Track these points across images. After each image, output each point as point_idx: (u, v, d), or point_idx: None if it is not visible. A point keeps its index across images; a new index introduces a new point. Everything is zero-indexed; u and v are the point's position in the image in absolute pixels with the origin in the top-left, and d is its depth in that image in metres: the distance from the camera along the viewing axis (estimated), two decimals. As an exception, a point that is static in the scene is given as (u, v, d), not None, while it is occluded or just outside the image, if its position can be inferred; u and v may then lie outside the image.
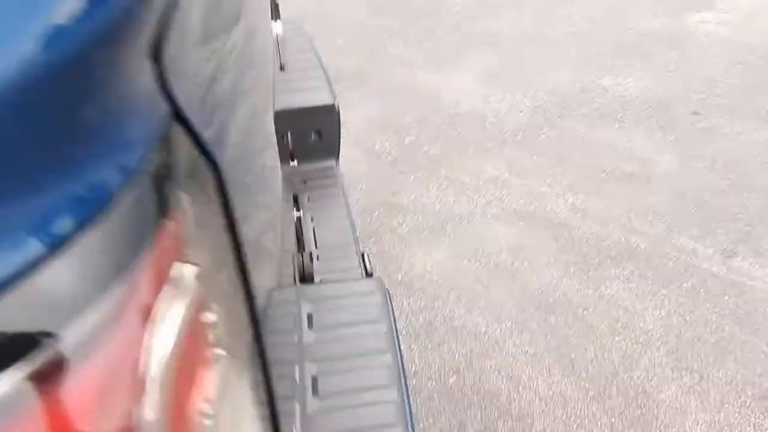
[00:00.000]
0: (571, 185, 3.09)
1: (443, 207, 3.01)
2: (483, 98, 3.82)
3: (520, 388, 2.20)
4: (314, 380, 1.10)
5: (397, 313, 2.48)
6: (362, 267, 1.60)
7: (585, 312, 2.45)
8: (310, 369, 1.12)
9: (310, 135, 1.92)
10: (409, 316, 2.48)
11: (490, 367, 2.27)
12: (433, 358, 2.31)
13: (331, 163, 1.96)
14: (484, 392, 2.19)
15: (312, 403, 1.06)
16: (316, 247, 1.67)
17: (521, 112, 3.69)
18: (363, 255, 1.75)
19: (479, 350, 2.33)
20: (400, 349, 1.17)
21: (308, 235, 1.70)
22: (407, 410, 1.05)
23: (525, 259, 2.70)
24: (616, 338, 2.34)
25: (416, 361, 2.31)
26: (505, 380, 2.22)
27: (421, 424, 2.11)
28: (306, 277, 1.39)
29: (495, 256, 2.72)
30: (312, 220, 1.76)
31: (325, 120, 1.91)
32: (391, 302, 1.27)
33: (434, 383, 2.23)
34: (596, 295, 2.51)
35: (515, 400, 2.16)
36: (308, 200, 1.84)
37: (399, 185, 3.15)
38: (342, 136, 3.55)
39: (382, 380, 1.09)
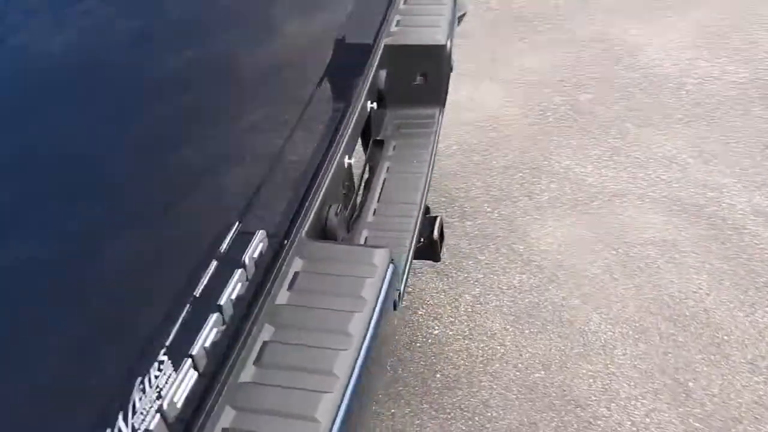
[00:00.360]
0: (765, 182, 2.53)
1: (597, 180, 2.64)
2: (690, 60, 3.25)
3: (613, 406, 1.89)
4: (263, 346, 0.99)
5: (503, 288, 2.27)
6: (415, 233, 1.43)
7: (726, 337, 2.02)
8: (266, 333, 1.01)
9: (414, 77, 1.74)
10: (516, 294, 2.24)
11: (586, 372, 1.98)
12: (525, 346, 2.08)
13: (434, 111, 1.76)
14: (570, 398, 1.92)
15: (249, 370, 0.96)
16: (378, 201, 1.52)
17: (732, 82, 3.08)
18: (436, 219, 1.58)
19: (580, 350, 2.04)
20: (371, 338, 1.00)
21: (374, 187, 1.55)
22: (342, 409, 0.90)
23: (673, 258, 2.29)
24: (755, 378, 1.90)
25: (506, 344, 2.09)
26: (598, 392, 1.92)
27: (489, 413, 1.92)
28: (327, 233, 1.26)
29: (638, 247, 2.34)
30: (387, 170, 1.60)
31: (433, 62, 1.71)
32: (389, 280, 1.10)
33: (518, 373, 2.00)
34: (748, 321, 2.05)
35: (603, 417, 1.87)
36: (393, 149, 1.68)
37: (556, 147, 2.82)
38: (512, 83, 3.27)
39: (331, 367, 0.94)
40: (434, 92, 1.74)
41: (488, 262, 2.37)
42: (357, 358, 0.96)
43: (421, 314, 2.22)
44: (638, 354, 2.01)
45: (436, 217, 1.59)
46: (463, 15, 2.27)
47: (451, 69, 1.75)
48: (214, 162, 0.95)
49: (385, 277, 1.09)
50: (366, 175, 1.65)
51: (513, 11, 3.81)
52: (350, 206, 1.48)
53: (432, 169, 1.61)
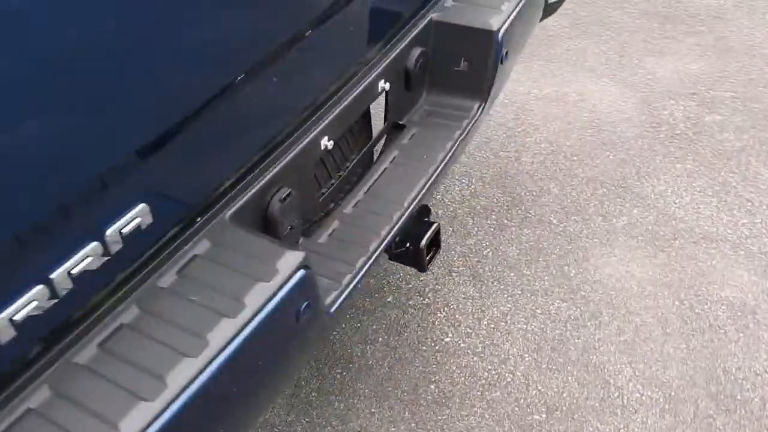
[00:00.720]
0: None
1: (690, 216, 2.29)
2: None
3: (608, 477, 1.64)
4: (117, 329, 0.90)
5: (537, 311, 2.03)
6: (387, 236, 1.27)
7: (774, 438, 1.68)
8: (129, 315, 0.92)
9: (458, 62, 1.54)
10: (549, 322, 2.00)
11: (593, 430, 1.73)
12: (536, 381, 1.86)
13: (472, 103, 1.56)
14: (563, 453, 1.70)
15: (88, 352, 0.88)
16: (366, 192, 1.37)
17: None
18: (431, 227, 1.40)
19: (595, 403, 1.79)
20: (234, 350, 0.89)
21: (369, 176, 1.40)
22: (157, 424, 0.80)
23: (746, 327, 1.93)
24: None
25: (517, 374, 1.88)
26: (597, 455, 1.68)
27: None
28: (268, 221, 1.14)
29: (709, 305, 2.00)
30: (392, 160, 1.44)
31: (478, 49, 1.50)
32: (291, 289, 0.96)
33: (516, 409, 1.80)
34: (809, 426, 1.69)
35: (591, 485, 1.63)
36: (410, 137, 1.51)
37: (654, 169, 2.48)
38: (634, 86, 2.90)
39: (164, 374, 0.84)
40: (476, 82, 1.54)
41: (531, 279, 2.13)
42: (202, 370, 0.85)
43: (439, 317, 2.05)
44: (660, 427, 1.72)
45: (432, 224, 1.41)
46: (560, 2, 2.00)
47: (501, 61, 1.52)
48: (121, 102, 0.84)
49: (284, 284, 0.95)
50: (373, 160, 1.50)
51: (666, 5, 3.37)
52: (323, 194, 1.34)
53: (443, 168, 1.43)
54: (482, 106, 1.56)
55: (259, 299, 0.93)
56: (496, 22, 1.48)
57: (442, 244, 2.25)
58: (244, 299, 0.92)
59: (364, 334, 2.02)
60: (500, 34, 1.48)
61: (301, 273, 0.98)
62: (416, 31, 1.47)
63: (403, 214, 1.31)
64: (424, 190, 1.37)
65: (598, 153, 2.57)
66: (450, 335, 2.00)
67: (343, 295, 1.17)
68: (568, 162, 2.54)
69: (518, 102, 2.83)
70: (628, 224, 2.28)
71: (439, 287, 2.14)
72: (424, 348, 1.98)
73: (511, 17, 1.53)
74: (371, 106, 1.47)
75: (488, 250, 2.24)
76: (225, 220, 1.05)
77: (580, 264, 2.17)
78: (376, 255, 1.24)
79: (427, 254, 1.42)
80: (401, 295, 2.13)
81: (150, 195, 0.90)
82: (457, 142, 1.48)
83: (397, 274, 2.19)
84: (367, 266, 1.22)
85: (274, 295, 0.94)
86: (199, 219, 1.02)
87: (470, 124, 1.53)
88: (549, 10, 1.95)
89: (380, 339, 2.01)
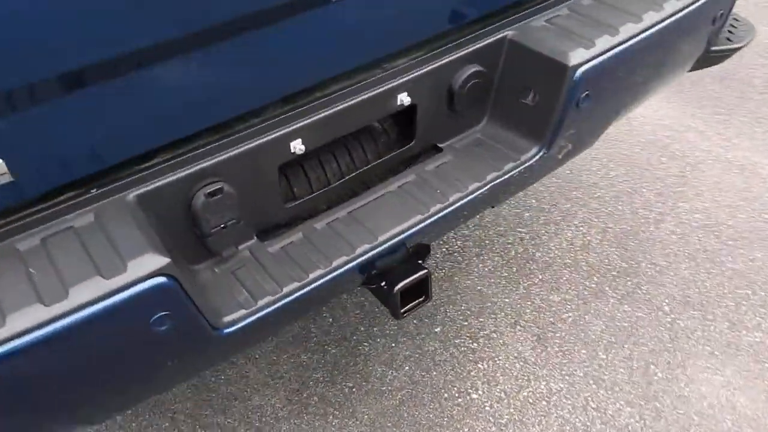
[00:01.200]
0: None
1: None
2: None
3: None
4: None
5: (592, 405, 1.71)
6: (340, 269, 1.10)
7: None
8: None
9: (525, 93, 1.27)
10: (598, 422, 1.66)
11: None
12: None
13: (528, 146, 1.29)
14: None
15: None
16: (348, 213, 1.20)
17: None
18: (419, 272, 1.20)
19: None
20: (31, 342, 0.82)
21: (359, 199, 1.22)
22: None
23: None
24: None
25: (528, 465, 1.59)
26: None
27: None
28: (192, 216, 1.03)
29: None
30: (399, 186, 1.25)
31: (547, 83, 1.22)
32: (136, 296, 0.86)
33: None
34: None
35: None
36: (435, 165, 1.29)
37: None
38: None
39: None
40: (540, 122, 1.26)
41: (604, 365, 1.78)
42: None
43: (478, 368, 1.81)
44: None
45: (420, 269, 1.20)
46: (730, 52, 1.58)
47: (578, 104, 1.23)
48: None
49: (125, 287, 0.85)
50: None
51: None
52: (298, 202, 1.19)
53: (452, 210, 1.20)
54: (541, 153, 1.28)
55: (87, 295, 0.84)
56: (577, 56, 1.19)
57: (521, 289, 1.99)
58: (70, 289, 0.84)
59: (392, 357, 1.85)
60: (579, 72, 1.19)
61: (156, 280, 0.88)
62: (475, 46, 1.23)
63: (371, 249, 1.13)
64: (413, 229, 1.16)
65: (762, 246, 2.05)
66: (480, 392, 1.76)
67: (252, 318, 1.04)
68: (719, 245, 2.06)
69: (692, 157, 2.36)
70: (759, 343, 1.80)
71: (495, 336, 1.89)
72: (445, 395, 1.76)
73: (605, 55, 1.21)
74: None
75: (570, 314, 1.92)
76: (128, 199, 0.97)
77: (672, 369, 1.76)
78: (313, 286, 1.08)
79: (407, 302, 1.22)
80: (451, 330, 1.91)
81: (9, 150, 0.84)
82: (486, 187, 1.23)
83: (459, 306, 1.97)
84: (294, 296, 1.07)
85: (108, 295, 0.85)
86: (94, 190, 0.95)
87: (514, 170, 1.26)
88: (709, 60, 1.54)
89: (406, 368, 1.83)
